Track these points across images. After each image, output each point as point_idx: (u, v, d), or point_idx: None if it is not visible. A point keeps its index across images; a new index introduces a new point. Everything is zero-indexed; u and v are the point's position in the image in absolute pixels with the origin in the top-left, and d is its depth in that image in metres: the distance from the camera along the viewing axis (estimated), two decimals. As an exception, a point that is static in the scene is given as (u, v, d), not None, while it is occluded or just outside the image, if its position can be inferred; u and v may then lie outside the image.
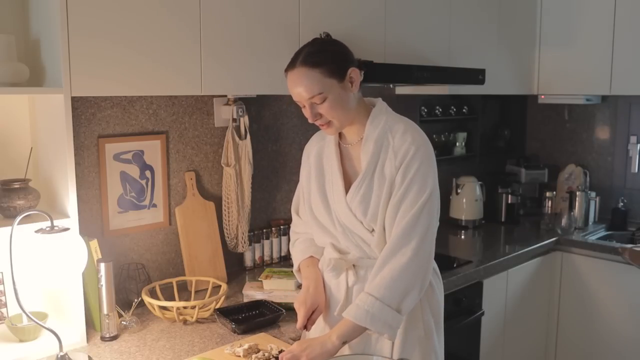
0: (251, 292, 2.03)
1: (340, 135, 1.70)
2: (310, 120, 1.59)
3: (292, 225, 1.87)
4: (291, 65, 1.56)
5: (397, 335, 1.58)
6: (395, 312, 1.51)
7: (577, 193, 3.27)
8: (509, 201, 3.33)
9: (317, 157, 1.72)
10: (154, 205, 2.16)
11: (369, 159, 1.60)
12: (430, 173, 1.57)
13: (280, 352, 1.61)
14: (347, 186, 1.63)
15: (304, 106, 1.59)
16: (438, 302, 1.71)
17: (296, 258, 1.79)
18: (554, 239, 3.00)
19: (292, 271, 2.12)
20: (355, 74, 1.57)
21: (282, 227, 2.52)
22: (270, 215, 2.55)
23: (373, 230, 1.61)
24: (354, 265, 1.64)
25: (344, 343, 1.52)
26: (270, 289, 2.03)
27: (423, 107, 3.18)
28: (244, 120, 2.31)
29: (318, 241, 1.74)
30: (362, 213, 1.59)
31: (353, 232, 1.63)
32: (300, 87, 1.54)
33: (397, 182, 1.56)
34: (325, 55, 1.54)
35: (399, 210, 1.55)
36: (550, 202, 3.38)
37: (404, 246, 1.53)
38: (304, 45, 1.59)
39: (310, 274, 1.72)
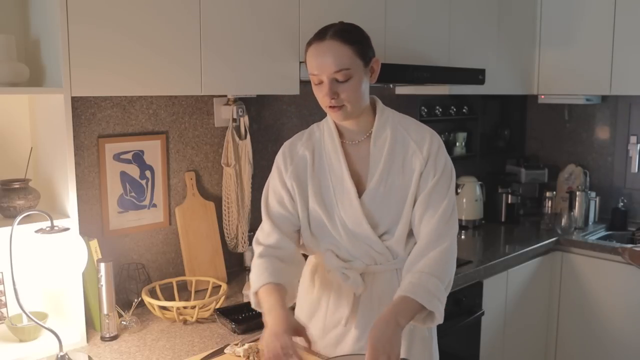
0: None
1: (339, 133, 1.59)
2: (324, 97, 1.46)
3: (260, 231, 1.62)
4: (320, 37, 1.47)
5: (403, 337, 1.44)
6: (444, 291, 1.47)
7: (577, 193, 3.27)
8: (509, 201, 3.33)
9: (310, 159, 1.59)
10: (154, 205, 2.16)
11: (386, 155, 1.53)
12: (450, 161, 1.56)
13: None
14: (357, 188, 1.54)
15: (321, 82, 1.46)
16: None
17: (259, 279, 1.51)
18: (554, 239, 3.00)
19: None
20: (377, 65, 1.52)
21: (282, 227, 2.51)
22: (270, 215, 2.55)
23: (384, 234, 1.54)
24: (360, 274, 1.56)
25: None
26: (270, 289, 2.02)
27: (423, 107, 3.18)
28: (244, 120, 2.31)
29: (313, 248, 1.63)
30: (386, 212, 1.52)
31: (361, 238, 1.54)
32: (330, 58, 1.43)
33: (428, 175, 1.52)
34: (358, 35, 1.49)
35: (430, 201, 1.51)
36: (550, 202, 3.38)
37: (445, 234, 1.50)
38: (331, 24, 1.50)
39: (278, 306, 1.44)
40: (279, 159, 1.64)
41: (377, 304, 1.57)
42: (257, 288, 1.50)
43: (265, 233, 1.60)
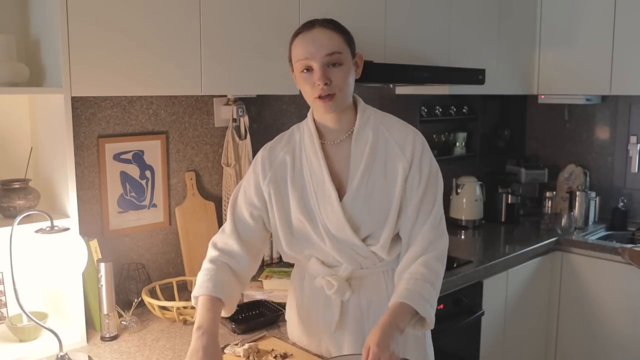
0: (251, 292, 2.03)
1: (319, 134, 1.55)
2: (314, 83, 1.43)
3: (220, 234, 1.60)
4: (308, 27, 1.46)
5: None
6: (435, 297, 1.46)
7: (577, 193, 3.27)
8: (509, 201, 3.33)
9: (290, 164, 1.55)
10: (154, 205, 2.16)
11: (367, 155, 1.49)
12: (435, 162, 1.55)
13: (284, 355, 1.60)
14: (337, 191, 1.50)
15: (310, 68, 1.43)
16: None
17: (201, 286, 1.47)
18: (554, 239, 3.00)
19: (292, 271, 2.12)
20: (360, 60, 1.52)
21: (282, 227, 2.51)
22: (270, 215, 2.55)
23: (368, 237, 1.51)
24: (346, 280, 1.55)
25: None
26: (270, 289, 2.03)
27: (423, 107, 3.18)
28: (244, 120, 2.31)
29: (297, 255, 1.59)
30: (368, 215, 1.48)
31: (345, 243, 1.51)
32: (321, 42, 1.42)
33: (414, 181, 1.49)
34: (344, 27, 1.50)
35: (421, 209, 1.49)
36: (550, 202, 3.38)
37: (436, 240, 1.49)
38: (315, 19, 1.49)
39: (208, 324, 1.39)
40: (257, 163, 1.58)
41: (366, 307, 1.57)
42: (197, 295, 1.47)
43: (224, 236, 1.57)
